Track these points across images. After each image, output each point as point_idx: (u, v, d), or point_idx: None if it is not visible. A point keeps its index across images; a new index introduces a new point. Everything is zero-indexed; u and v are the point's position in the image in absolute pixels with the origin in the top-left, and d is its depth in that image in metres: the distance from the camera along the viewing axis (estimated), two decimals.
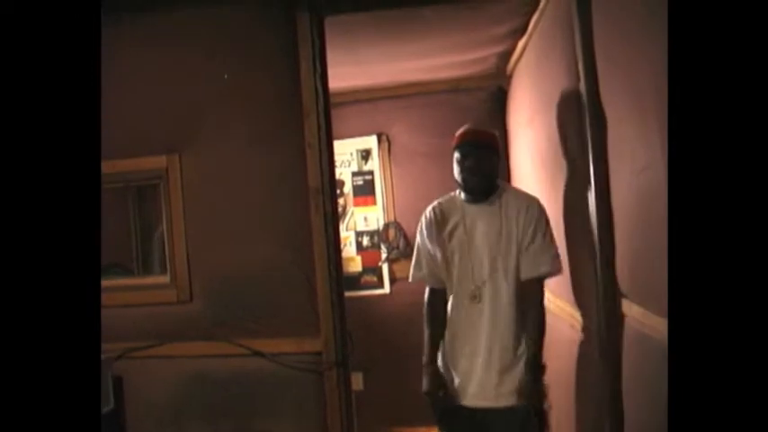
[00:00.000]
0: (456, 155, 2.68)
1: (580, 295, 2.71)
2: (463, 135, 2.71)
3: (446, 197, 2.82)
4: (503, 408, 2.56)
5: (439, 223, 2.75)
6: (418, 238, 2.83)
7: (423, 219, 2.83)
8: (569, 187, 2.73)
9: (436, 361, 2.74)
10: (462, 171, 2.65)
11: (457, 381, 2.68)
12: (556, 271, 2.60)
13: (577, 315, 2.73)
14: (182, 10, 2.75)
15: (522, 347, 2.57)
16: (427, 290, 2.84)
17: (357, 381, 4.43)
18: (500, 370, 2.58)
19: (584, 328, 2.66)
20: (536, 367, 2.53)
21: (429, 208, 2.82)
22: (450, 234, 2.72)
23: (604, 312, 2.19)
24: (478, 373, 2.61)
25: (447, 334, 2.74)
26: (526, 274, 2.58)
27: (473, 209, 2.69)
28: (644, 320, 1.87)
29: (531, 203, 2.65)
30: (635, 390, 2.03)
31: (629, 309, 2.03)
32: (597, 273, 2.24)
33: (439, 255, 2.73)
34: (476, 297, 2.63)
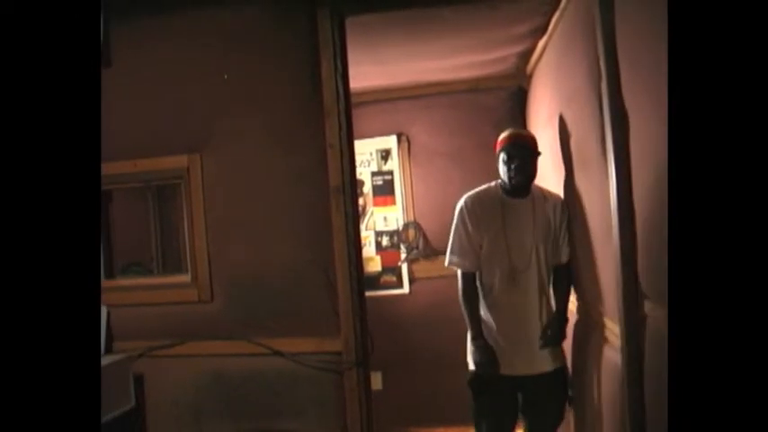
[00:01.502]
0: (503, 155, 3.00)
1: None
2: (511, 137, 3.03)
3: (483, 188, 3.13)
4: (541, 373, 2.96)
5: (478, 211, 3.05)
6: (456, 224, 3.10)
7: (462, 206, 3.10)
8: (589, 187, 2.71)
9: (482, 335, 3.01)
10: (509, 170, 2.97)
11: (497, 353, 2.97)
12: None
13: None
14: (202, 10, 2.77)
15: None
16: (460, 274, 3.10)
17: (376, 380, 4.44)
18: (535, 341, 2.94)
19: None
20: (563, 321, 2.98)
21: (467, 196, 3.12)
22: (489, 223, 3.02)
23: (625, 312, 2.17)
24: (521, 346, 2.95)
25: (484, 314, 3.03)
26: (565, 258, 3.03)
27: (512, 202, 3.03)
28: (666, 320, 1.85)
29: (562, 201, 3.07)
30: (657, 390, 2.01)
31: (651, 309, 2.01)
32: (618, 273, 2.22)
33: (478, 240, 3.02)
34: (514, 280, 2.96)
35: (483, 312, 3.04)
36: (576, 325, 3.10)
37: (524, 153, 2.99)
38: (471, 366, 3.05)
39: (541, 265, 2.98)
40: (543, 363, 2.96)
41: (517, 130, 3.14)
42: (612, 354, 2.42)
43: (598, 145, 2.42)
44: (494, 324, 3.00)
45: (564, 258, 3.03)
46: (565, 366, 3.05)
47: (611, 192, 2.23)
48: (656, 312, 1.96)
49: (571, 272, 3.04)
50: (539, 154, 3.08)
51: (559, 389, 3.03)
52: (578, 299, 3.08)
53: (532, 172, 3.05)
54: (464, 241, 3.06)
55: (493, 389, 2.99)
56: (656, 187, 1.88)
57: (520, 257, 2.97)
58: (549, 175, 3.71)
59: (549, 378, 2.97)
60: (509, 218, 3.01)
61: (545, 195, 3.09)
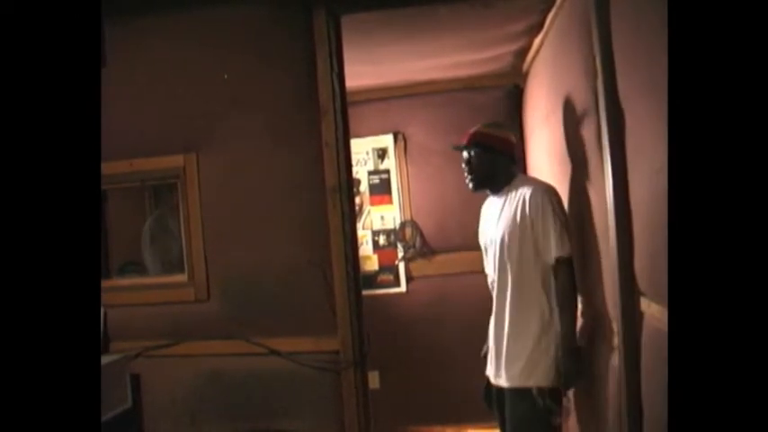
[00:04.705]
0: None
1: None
2: (465, 137, 2.96)
3: None
4: (510, 387, 2.73)
5: (482, 216, 3.06)
6: None
7: None
8: (585, 185, 2.72)
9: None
10: (464, 172, 2.95)
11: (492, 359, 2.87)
12: (567, 252, 2.68)
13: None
14: (199, 10, 2.77)
15: (534, 330, 2.71)
16: None
17: (374, 379, 4.45)
18: (511, 351, 2.74)
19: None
20: (567, 347, 2.64)
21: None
22: (485, 226, 3.01)
23: (622, 310, 2.18)
24: (496, 353, 2.81)
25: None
26: (554, 253, 2.67)
27: (492, 201, 2.97)
28: (663, 318, 1.85)
29: (538, 189, 2.76)
30: (654, 388, 2.01)
31: (648, 307, 2.01)
32: (615, 270, 2.22)
33: (482, 245, 3.05)
34: (500, 283, 2.81)
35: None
36: (582, 330, 2.82)
37: (468, 152, 2.92)
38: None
39: (520, 266, 2.72)
40: (512, 377, 2.71)
41: (476, 127, 2.99)
42: (609, 351, 2.42)
43: (594, 143, 2.42)
44: (493, 330, 2.85)
45: (552, 254, 2.67)
46: (542, 388, 2.66)
47: (607, 189, 2.24)
48: (652, 310, 1.96)
49: (567, 272, 2.69)
50: (486, 148, 2.89)
51: (525, 410, 2.67)
52: (582, 302, 2.81)
53: (484, 169, 2.89)
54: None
55: (489, 398, 2.94)
56: (651, 184, 1.89)
57: (496, 259, 2.83)
58: (545, 174, 3.72)
59: (517, 395, 2.70)
60: (483, 218, 3.03)
61: (520, 186, 2.81)
